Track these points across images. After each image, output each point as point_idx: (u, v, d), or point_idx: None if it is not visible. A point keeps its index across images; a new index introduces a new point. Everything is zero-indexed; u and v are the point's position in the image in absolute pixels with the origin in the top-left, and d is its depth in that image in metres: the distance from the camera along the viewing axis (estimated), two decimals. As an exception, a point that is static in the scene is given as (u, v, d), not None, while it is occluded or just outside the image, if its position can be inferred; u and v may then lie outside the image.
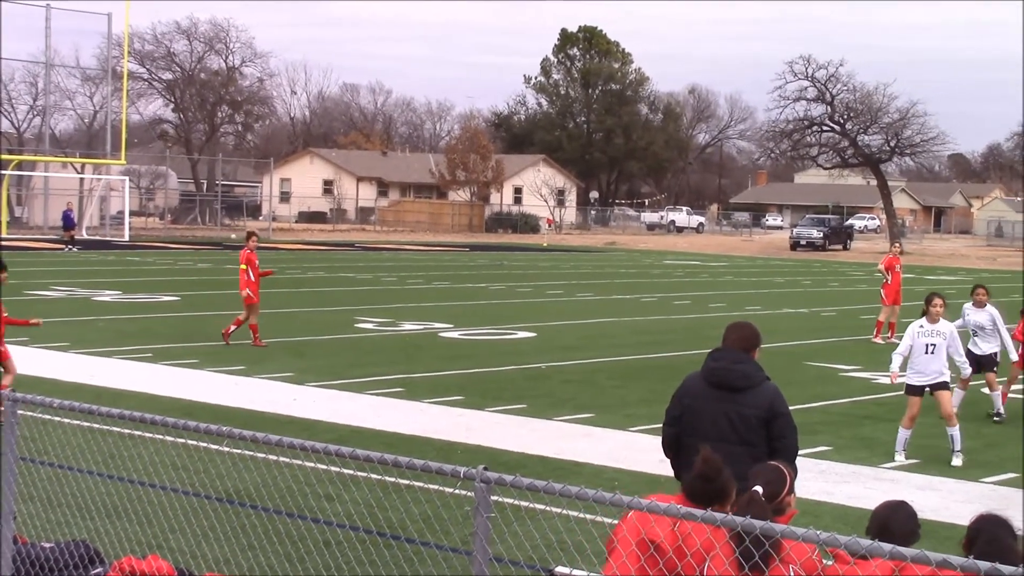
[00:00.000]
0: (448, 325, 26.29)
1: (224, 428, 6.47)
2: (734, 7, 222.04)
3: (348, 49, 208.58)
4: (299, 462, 11.76)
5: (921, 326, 14.26)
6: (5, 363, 14.89)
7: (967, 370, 14.86)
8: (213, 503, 10.43)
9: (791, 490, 6.09)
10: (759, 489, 5.79)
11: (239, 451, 12.07)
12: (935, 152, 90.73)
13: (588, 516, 9.85)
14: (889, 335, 26.00)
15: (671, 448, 7.78)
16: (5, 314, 15.04)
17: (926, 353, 14.08)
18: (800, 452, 11.51)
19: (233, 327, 21.92)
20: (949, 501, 12.02)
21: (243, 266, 22.23)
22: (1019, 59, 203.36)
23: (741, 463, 6.19)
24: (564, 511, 10.26)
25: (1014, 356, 17.39)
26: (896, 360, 14.43)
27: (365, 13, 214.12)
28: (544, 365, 20.68)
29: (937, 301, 14.38)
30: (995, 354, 17.20)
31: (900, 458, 13.95)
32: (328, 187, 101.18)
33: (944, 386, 14.08)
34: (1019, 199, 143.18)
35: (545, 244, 76.13)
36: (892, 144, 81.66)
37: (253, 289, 22.19)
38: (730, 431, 7.39)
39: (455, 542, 9.77)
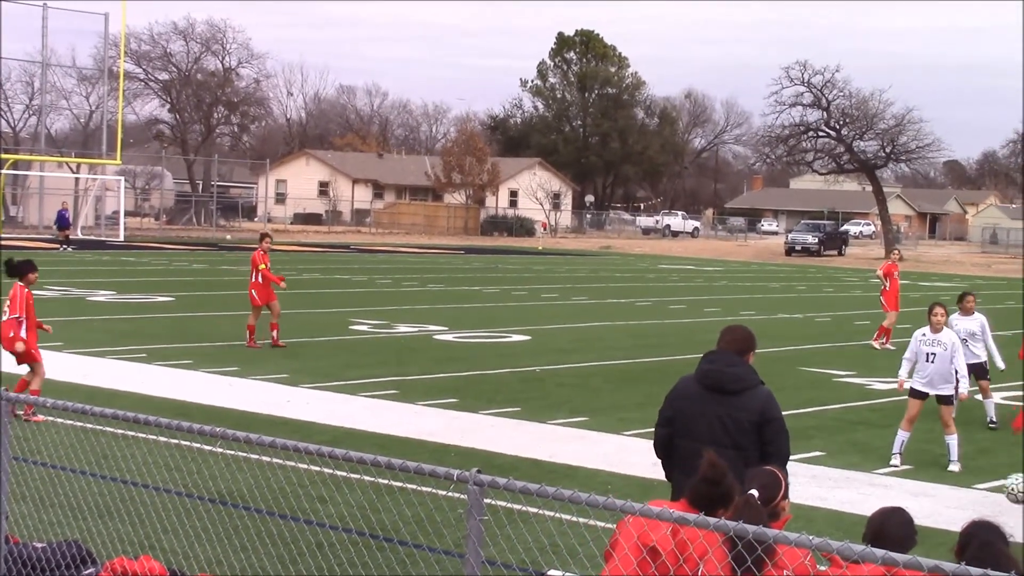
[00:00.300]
0: (443, 327, 26.29)
1: (217, 429, 6.47)
2: (731, 11, 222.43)
3: (345, 50, 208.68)
4: (292, 463, 11.75)
5: (924, 334, 14.31)
6: (35, 365, 14.96)
7: (964, 387, 14.39)
8: (206, 504, 10.42)
9: (786, 495, 6.10)
10: (755, 493, 5.80)
11: (232, 452, 12.06)
12: (930, 158, 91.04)
13: (581, 520, 9.85)
14: (885, 341, 26.02)
15: (663, 449, 7.79)
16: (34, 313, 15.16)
17: (927, 362, 14.15)
18: (794, 457, 11.51)
19: (274, 332, 21.97)
20: (942, 507, 12.03)
21: (263, 266, 22.20)
22: (1014, 65, 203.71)
23: (732, 466, 6.19)
24: (557, 514, 10.26)
25: (1000, 364, 17.37)
26: (905, 366, 14.54)
27: (362, 15, 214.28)
28: (538, 368, 20.68)
29: (938, 310, 14.39)
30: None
31: (896, 461, 13.97)
32: (324, 189, 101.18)
33: (948, 400, 14.10)
34: (1014, 206, 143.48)
35: (540, 247, 76.16)
36: (888, 150, 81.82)
37: (258, 291, 22.16)
38: (722, 434, 7.38)
39: (448, 545, 9.77)
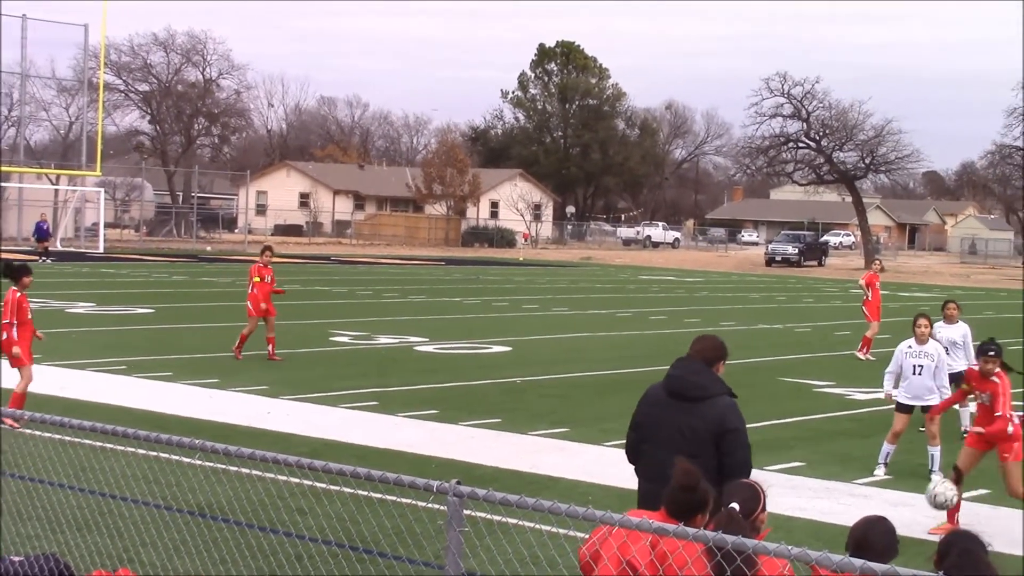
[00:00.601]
0: (424, 339, 26.26)
1: (197, 441, 6.44)
2: (710, 23, 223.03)
3: (326, 62, 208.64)
4: (272, 475, 11.71)
5: (909, 346, 14.32)
6: (23, 369, 14.98)
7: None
8: (185, 516, 10.38)
9: (764, 508, 6.10)
10: (736, 506, 5.80)
11: (212, 464, 12.01)
12: (909, 169, 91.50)
13: (561, 531, 9.84)
14: (865, 350, 26.07)
15: (631, 454, 7.90)
16: (29, 316, 15.19)
17: (914, 374, 14.13)
18: (774, 467, 11.48)
19: (269, 347, 21.91)
20: (921, 516, 12.05)
21: (256, 279, 22.21)
22: (992, 77, 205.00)
23: None
24: (537, 526, 10.25)
25: None
26: (888, 379, 14.51)
27: (343, 26, 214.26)
28: (519, 379, 20.67)
29: (922, 322, 14.39)
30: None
31: (879, 472, 13.98)
32: (304, 200, 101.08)
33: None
34: (992, 216, 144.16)
35: (521, 258, 76.19)
36: (867, 161, 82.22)
37: (254, 302, 22.09)
38: (681, 441, 7.42)
39: (428, 556, 9.75)
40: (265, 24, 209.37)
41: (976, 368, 12.21)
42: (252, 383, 18.91)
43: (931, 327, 14.66)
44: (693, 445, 7.39)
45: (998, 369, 11.93)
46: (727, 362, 7.98)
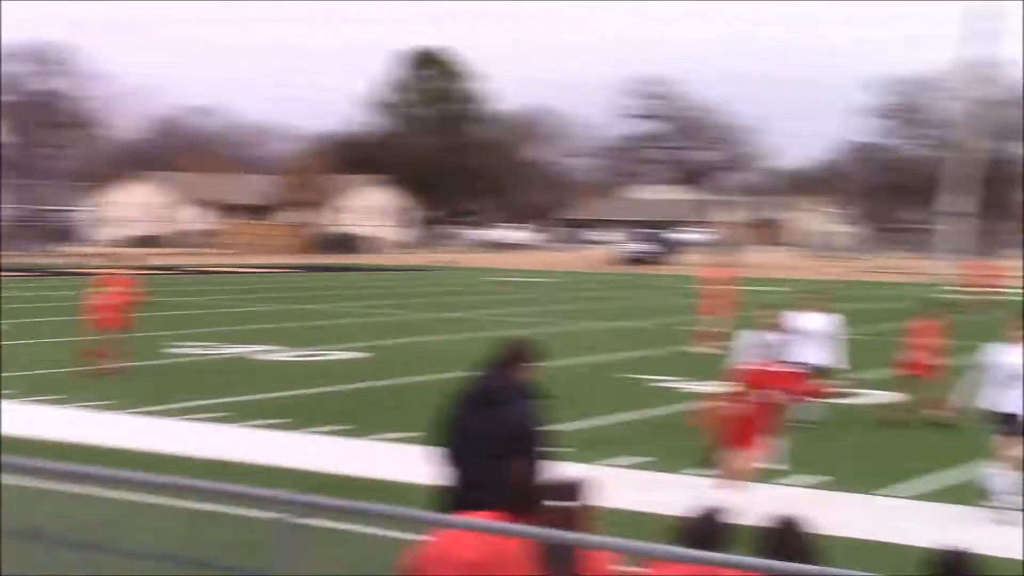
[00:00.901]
0: (278, 347, 26.00)
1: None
2: (573, 25, 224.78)
3: (182, 71, 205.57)
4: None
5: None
6: None
7: None
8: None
9: (588, 504, 6.15)
10: (560, 503, 5.87)
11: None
12: (766, 167, 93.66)
13: (391, 534, 9.77)
14: (708, 344, 26.42)
15: (442, 456, 8.09)
16: None
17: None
18: (609, 463, 11.50)
19: (106, 359, 21.46)
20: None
21: (104, 289, 21.96)
22: (842, 80, 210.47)
23: (496, 475, 6.30)
24: (384, 532, 10.17)
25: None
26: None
27: (199, 35, 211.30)
28: (373, 384, 20.61)
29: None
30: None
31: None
32: (160, 210, 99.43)
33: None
34: (843, 212, 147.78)
35: (381, 263, 76.00)
36: (724, 159, 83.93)
37: (102, 313, 21.69)
38: (485, 444, 7.60)
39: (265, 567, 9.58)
40: (118, 33, 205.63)
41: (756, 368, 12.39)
42: (96, 398, 18.48)
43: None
44: (496, 447, 7.53)
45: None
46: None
